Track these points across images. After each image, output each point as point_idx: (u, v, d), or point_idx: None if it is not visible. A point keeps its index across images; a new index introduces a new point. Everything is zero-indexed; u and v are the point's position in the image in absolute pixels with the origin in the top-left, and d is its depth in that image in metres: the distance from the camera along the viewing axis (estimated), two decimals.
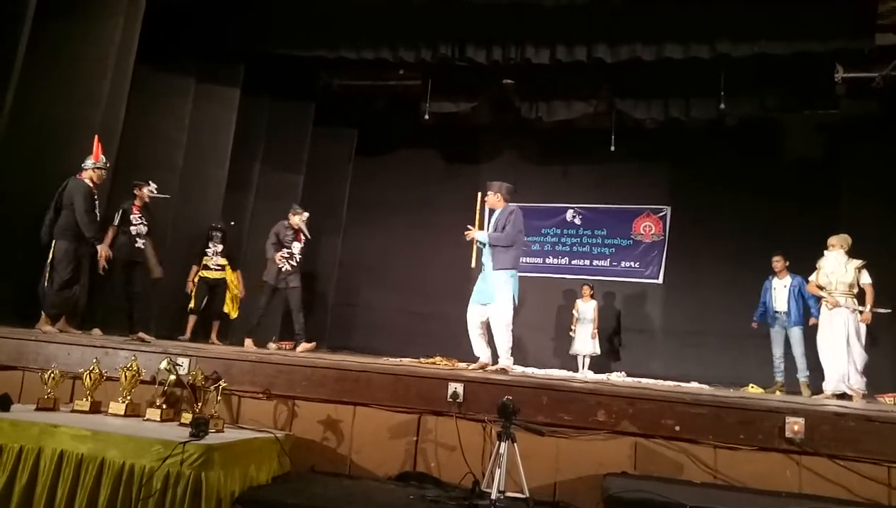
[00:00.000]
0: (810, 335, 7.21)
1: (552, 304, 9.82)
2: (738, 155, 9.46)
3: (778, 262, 7.36)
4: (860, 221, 7.72)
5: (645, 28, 7.15)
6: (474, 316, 5.47)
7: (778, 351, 7.27)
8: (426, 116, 9.05)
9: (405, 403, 3.43)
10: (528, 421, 3.08)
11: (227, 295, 7.47)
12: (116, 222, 6.22)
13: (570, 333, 8.91)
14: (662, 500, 2.50)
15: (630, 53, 7.22)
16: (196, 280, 7.32)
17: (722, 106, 8.07)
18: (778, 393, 6.91)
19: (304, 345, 6.86)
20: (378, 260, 10.59)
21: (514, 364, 5.45)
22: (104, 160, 5.75)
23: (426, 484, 3.20)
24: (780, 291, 7.32)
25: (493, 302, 5.34)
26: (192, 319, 7.28)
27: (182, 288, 7.33)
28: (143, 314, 6.36)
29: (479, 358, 5.41)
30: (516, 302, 5.41)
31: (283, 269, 6.95)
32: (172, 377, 3.48)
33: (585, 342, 8.74)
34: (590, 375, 8.00)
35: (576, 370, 8.42)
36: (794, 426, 2.93)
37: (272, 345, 7.52)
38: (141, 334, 6.00)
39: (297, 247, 7.14)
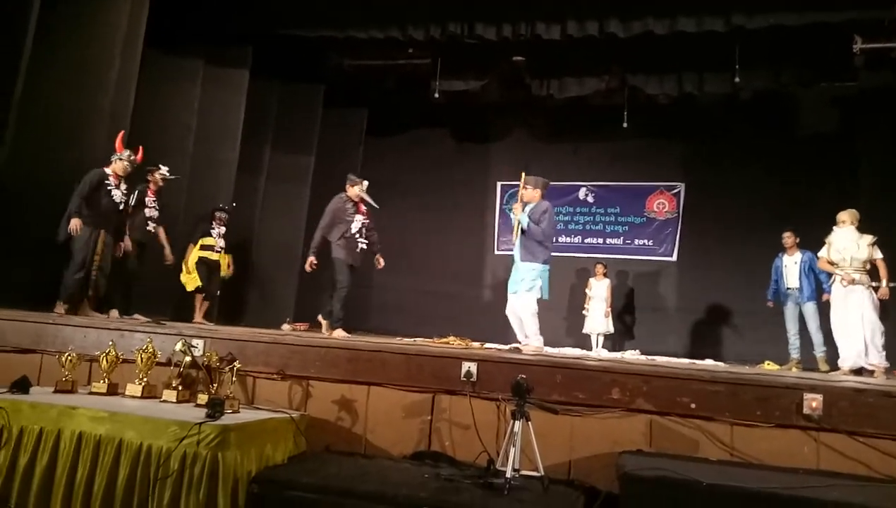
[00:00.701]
0: (824, 310, 7.17)
1: (565, 283, 9.78)
2: (753, 130, 9.33)
3: (788, 239, 7.27)
4: (878, 195, 7.61)
5: (658, 1, 7.00)
6: (510, 305, 5.76)
7: (792, 327, 7.20)
8: (436, 95, 8.98)
9: (419, 382, 3.44)
10: (542, 399, 3.07)
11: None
12: (133, 203, 6.30)
13: (584, 312, 8.89)
14: (678, 477, 2.49)
15: (642, 27, 7.09)
16: (195, 261, 7.12)
17: (737, 80, 7.92)
18: (794, 369, 6.86)
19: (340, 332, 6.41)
20: (390, 241, 10.48)
21: (535, 342, 5.58)
22: (128, 153, 5.93)
23: (441, 463, 3.21)
24: (791, 268, 7.24)
25: (519, 292, 5.59)
26: (199, 299, 7.18)
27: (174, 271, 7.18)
28: (152, 296, 6.44)
29: (520, 342, 5.65)
30: (545, 295, 5.63)
31: (360, 249, 6.61)
32: (188, 358, 3.50)
33: (599, 320, 8.72)
34: (604, 353, 7.98)
35: (589, 348, 8.41)
36: (812, 402, 2.89)
37: (286, 326, 7.53)
38: (137, 315, 6.09)
39: (359, 220, 6.65)
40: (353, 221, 6.60)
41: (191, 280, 7.01)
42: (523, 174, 6.00)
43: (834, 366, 6.37)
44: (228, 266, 7.49)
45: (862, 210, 6.46)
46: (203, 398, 3.29)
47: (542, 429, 2.99)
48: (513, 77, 9.15)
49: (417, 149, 10.67)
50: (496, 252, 10.59)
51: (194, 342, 3.68)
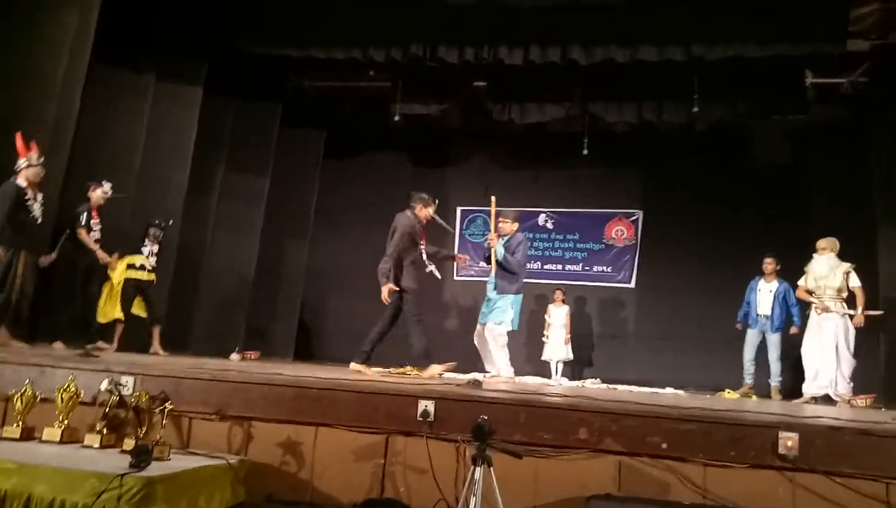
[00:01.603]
0: (786, 341, 7.20)
1: (524, 309, 9.50)
2: (709, 159, 9.46)
3: (769, 264, 7.24)
4: (828, 226, 7.67)
5: (620, 29, 7.04)
6: (479, 335, 5.88)
7: (750, 353, 7.19)
8: (396, 118, 8.85)
9: (372, 423, 3.17)
10: (505, 440, 2.85)
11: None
12: (82, 223, 5.90)
13: (543, 338, 8.77)
14: None
15: (604, 55, 7.11)
16: (120, 284, 6.45)
17: (695, 109, 8.05)
18: (749, 396, 6.84)
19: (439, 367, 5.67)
20: (347, 265, 10.30)
21: (506, 373, 5.72)
22: (35, 157, 5.30)
23: None
24: (765, 294, 7.21)
25: (490, 323, 5.70)
26: (119, 328, 6.45)
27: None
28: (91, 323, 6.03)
29: (488, 371, 5.78)
30: (515, 326, 5.79)
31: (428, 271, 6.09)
32: (115, 398, 3.17)
33: (558, 347, 8.60)
34: (564, 381, 7.85)
35: (549, 376, 8.27)
36: (788, 441, 2.76)
37: (235, 356, 7.16)
38: (100, 343, 5.69)
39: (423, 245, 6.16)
40: (421, 246, 6.12)
41: (109, 307, 6.32)
42: (494, 198, 6.08)
43: (789, 394, 6.36)
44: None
45: (811, 240, 6.53)
46: (130, 443, 2.95)
47: (504, 472, 2.77)
48: (474, 102, 9.10)
49: (376, 173, 10.47)
50: (456, 277, 10.41)
51: (123, 379, 3.33)
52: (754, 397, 6.85)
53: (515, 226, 5.99)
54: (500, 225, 6.03)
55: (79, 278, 5.97)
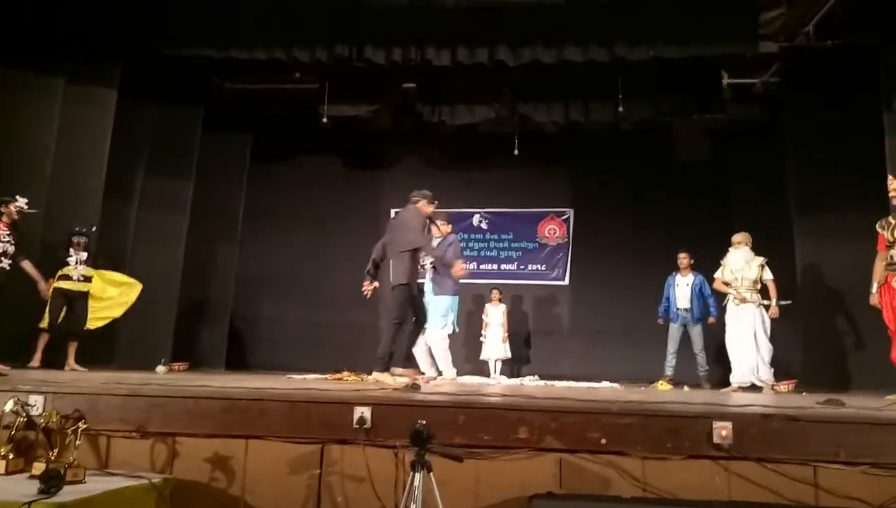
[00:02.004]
0: (707, 331, 7.47)
1: (462, 309, 9.56)
2: (635, 158, 9.73)
3: (684, 259, 7.53)
4: (748, 220, 8.01)
5: (546, 30, 7.10)
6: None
7: (673, 346, 7.44)
8: (324, 120, 8.65)
9: (305, 433, 3.04)
10: (444, 443, 2.78)
11: (98, 306, 6.54)
12: None
13: (481, 338, 8.77)
14: None
15: (531, 56, 7.16)
16: (51, 291, 6.22)
17: (620, 109, 8.22)
18: (665, 386, 7.04)
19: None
20: (278, 270, 10.05)
21: (448, 374, 5.78)
22: None
23: None
24: (682, 288, 7.49)
25: (431, 326, 5.68)
26: (43, 340, 6.20)
27: (38, 310, 6.32)
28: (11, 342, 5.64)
29: (424, 373, 5.73)
30: (456, 328, 5.89)
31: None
32: (22, 419, 2.92)
33: (496, 346, 8.63)
34: (503, 380, 7.87)
35: (488, 375, 8.28)
36: (722, 431, 2.81)
37: (161, 368, 6.84)
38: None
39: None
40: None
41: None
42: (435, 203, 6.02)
43: (725, 383, 6.59)
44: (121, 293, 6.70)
45: (733, 232, 6.79)
46: (40, 467, 2.72)
47: (444, 477, 2.70)
48: (404, 104, 9.03)
49: (306, 176, 10.26)
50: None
51: (31, 398, 3.08)
52: (665, 386, 7.05)
53: (447, 227, 6.03)
54: (433, 227, 6.02)
55: None
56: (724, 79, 8.37)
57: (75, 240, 6.45)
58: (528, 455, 2.95)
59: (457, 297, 5.86)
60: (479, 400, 3.21)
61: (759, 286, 6.27)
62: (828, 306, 7.04)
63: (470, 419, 3.00)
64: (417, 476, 2.53)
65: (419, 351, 5.81)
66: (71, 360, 6.31)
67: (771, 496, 2.77)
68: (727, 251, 6.66)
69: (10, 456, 2.85)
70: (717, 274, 6.54)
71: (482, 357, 8.70)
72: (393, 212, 10.46)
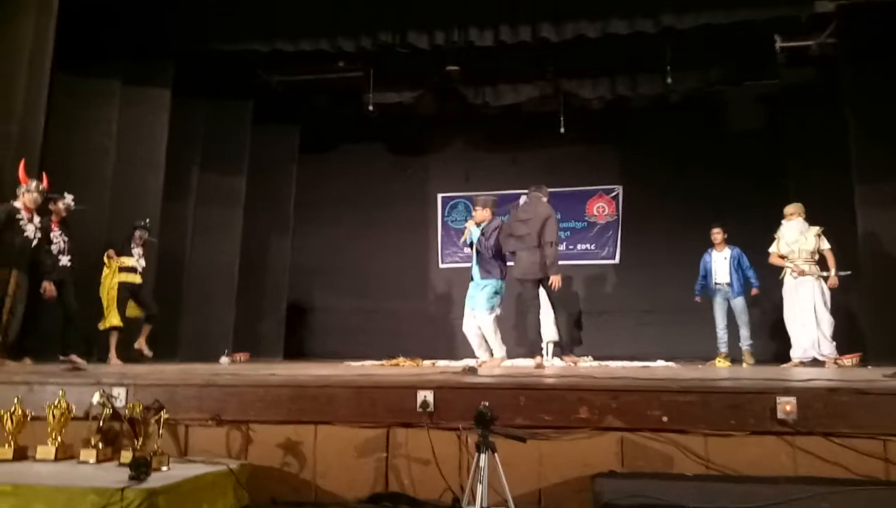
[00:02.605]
0: (752, 304, 7.32)
1: (511, 293, 9.60)
2: (685, 130, 9.52)
3: (717, 235, 7.40)
4: (805, 189, 7.79)
5: (590, 4, 6.99)
6: (469, 322, 5.91)
7: (721, 322, 7.32)
8: (370, 108, 8.75)
9: (371, 417, 3.14)
10: (506, 425, 2.84)
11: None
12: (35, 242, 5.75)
13: None
14: (661, 504, 2.31)
15: (575, 31, 7.07)
16: (113, 289, 6.33)
17: (668, 80, 8.04)
18: (723, 363, 6.94)
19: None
20: (330, 260, 10.25)
21: (499, 353, 5.84)
22: (35, 183, 5.47)
23: (400, 505, 2.94)
24: (720, 263, 7.36)
25: (479, 310, 5.76)
26: (114, 337, 6.33)
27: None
28: (79, 335, 5.91)
29: (478, 358, 5.84)
30: (499, 310, 5.87)
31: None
32: (107, 411, 3.11)
33: (549, 328, 8.58)
34: (556, 362, 7.87)
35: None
36: (786, 406, 2.78)
37: (224, 359, 7.10)
38: (73, 356, 5.58)
39: None
40: None
41: (108, 314, 6.24)
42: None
43: (783, 358, 6.45)
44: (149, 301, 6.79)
45: (791, 203, 6.60)
46: (127, 455, 2.90)
47: (508, 458, 2.76)
48: (447, 87, 9.03)
49: (354, 165, 10.39)
50: (440, 265, 10.39)
51: (115, 391, 3.27)
52: (723, 363, 6.95)
53: (487, 211, 6.01)
54: (474, 212, 6.13)
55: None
56: (777, 42, 8.06)
57: (138, 233, 6.62)
58: (590, 435, 2.98)
59: (503, 282, 5.88)
60: (538, 381, 3.26)
61: (816, 257, 6.09)
62: (892, 275, 6.79)
63: (530, 400, 3.05)
64: (483, 456, 2.60)
65: (472, 336, 5.88)
66: (141, 340, 6.49)
67: (839, 471, 2.74)
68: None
69: (100, 446, 3.05)
70: (772, 249, 6.37)
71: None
72: (440, 196, 10.55)
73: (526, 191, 10.15)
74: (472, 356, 6.13)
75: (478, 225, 6.01)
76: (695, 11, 6.82)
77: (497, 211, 6.25)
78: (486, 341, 5.83)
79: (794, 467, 2.79)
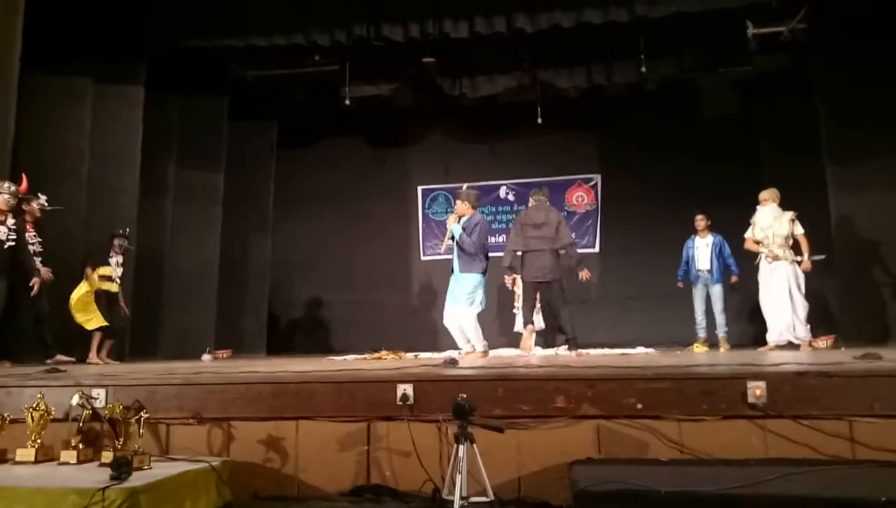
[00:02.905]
0: (729, 292, 7.44)
1: (493, 283, 9.64)
2: (661, 118, 9.60)
3: (701, 221, 7.47)
4: (779, 174, 7.91)
5: None
6: (449, 314, 5.98)
7: (700, 308, 7.42)
8: (347, 102, 8.73)
9: (352, 412, 3.18)
10: (485, 415, 2.88)
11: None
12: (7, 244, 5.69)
13: (514, 310, 8.82)
14: (636, 488, 2.37)
15: (549, 21, 7.11)
16: (92, 294, 6.29)
17: (643, 69, 8.11)
18: (700, 348, 7.05)
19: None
20: (312, 254, 10.24)
21: (480, 347, 5.92)
22: (7, 184, 5.44)
23: (383, 497, 2.98)
24: (702, 250, 7.43)
25: (459, 303, 5.84)
26: (96, 338, 6.29)
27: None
28: (52, 337, 5.88)
29: (461, 350, 5.95)
30: (484, 306, 5.97)
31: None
32: (87, 412, 3.11)
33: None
34: (538, 351, 7.95)
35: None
36: (756, 390, 2.85)
37: (207, 356, 7.09)
38: (59, 356, 5.56)
39: None
40: None
41: (92, 317, 6.23)
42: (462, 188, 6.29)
43: (760, 343, 6.58)
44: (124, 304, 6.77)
45: (765, 188, 6.70)
46: (108, 455, 2.91)
47: (487, 447, 2.81)
48: (424, 79, 9.04)
49: (333, 159, 10.37)
50: (422, 257, 10.43)
51: (94, 392, 3.26)
52: (700, 348, 7.07)
53: (467, 205, 6.04)
54: (456, 205, 6.15)
55: (21, 296, 5.72)
56: (749, 29, 8.15)
57: (117, 242, 6.58)
58: (567, 424, 3.04)
59: (484, 277, 5.94)
60: (516, 372, 3.31)
61: (790, 242, 6.20)
62: (864, 258, 6.94)
63: (508, 391, 3.10)
64: (461, 447, 2.64)
65: (454, 328, 5.93)
66: (103, 353, 6.40)
67: (808, 451, 2.82)
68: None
69: (80, 447, 3.05)
70: (748, 234, 6.46)
71: (516, 329, 8.76)
72: (420, 189, 10.57)
73: (505, 182, 10.35)
74: (455, 348, 6.18)
75: (459, 218, 6.03)
76: (667, 0, 6.87)
77: (478, 204, 6.32)
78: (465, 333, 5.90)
79: (764, 449, 2.87)
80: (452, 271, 6.03)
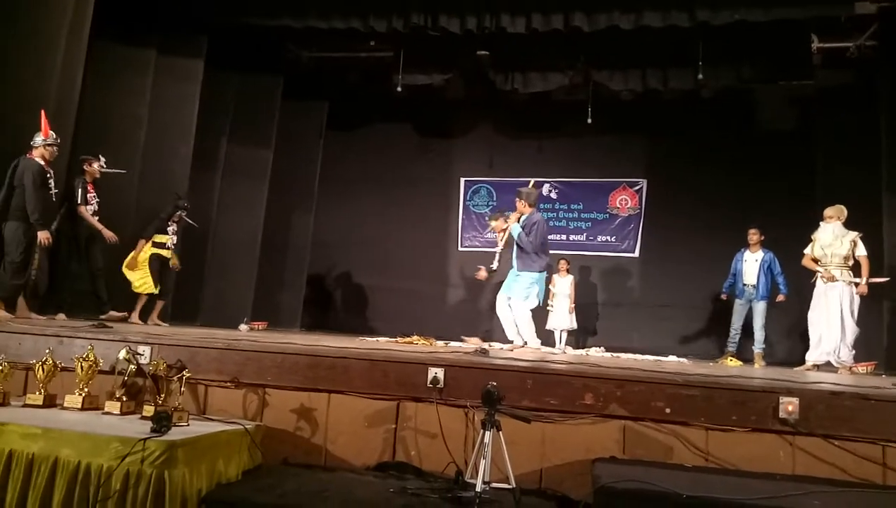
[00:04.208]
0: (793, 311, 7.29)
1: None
2: (714, 127, 9.42)
3: (754, 235, 7.34)
4: (834, 193, 7.65)
5: None
6: (502, 306, 6.07)
7: (738, 322, 7.32)
8: (399, 89, 8.81)
9: (383, 390, 3.26)
10: (512, 406, 2.93)
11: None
12: (79, 200, 5.95)
13: (548, 308, 8.82)
14: (657, 490, 2.38)
15: (608, 21, 7.05)
16: (147, 259, 6.56)
17: (700, 76, 8.00)
18: (731, 362, 6.95)
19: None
20: (352, 236, 10.37)
21: (533, 344, 6.03)
22: (54, 136, 5.43)
23: (406, 475, 3.05)
24: (751, 264, 7.31)
25: (515, 300, 5.93)
26: (141, 300, 6.53)
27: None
28: (106, 293, 6.12)
29: (512, 341, 6.04)
30: (540, 302, 6.09)
31: None
32: (132, 367, 3.26)
33: (562, 317, 8.66)
34: (568, 350, 7.94)
35: (553, 345, 8.35)
36: (789, 406, 2.83)
37: (243, 327, 7.27)
38: (112, 313, 5.79)
39: None
40: None
41: (144, 281, 6.48)
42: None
43: (796, 363, 6.45)
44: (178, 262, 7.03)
45: (817, 207, 6.54)
46: (150, 409, 3.04)
47: (512, 437, 2.86)
48: (477, 72, 9.04)
49: (379, 144, 10.46)
50: (460, 248, 10.47)
51: (140, 349, 3.42)
52: (730, 362, 6.97)
53: (525, 204, 6.10)
54: (516, 204, 6.20)
55: (82, 253, 6.01)
56: (814, 43, 7.94)
57: (180, 214, 6.85)
58: (593, 421, 3.06)
59: (543, 274, 6.03)
60: (546, 366, 3.34)
61: (850, 263, 6.02)
62: None
63: (537, 383, 3.13)
64: (488, 434, 2.69)
65: (507, 323, 6.05)
66: (154, 315, 6.70)
67: (837, 472, 2.79)
68: (810, 225, 6.43)
69: (124, 399, 3.20)
70: (807, 250, 6.28)
71: (548, 327, 8.75)
72: (463, 180, 10.61)
73: (549, 179, 10.32)
74: (483, 339, 6.27)
75: (519, 217, 6.12)
76: (731, 7, 6.76)
77: (535, 205, 6.36)
78: (517, 327, 6.03)
79: (791, 466, 2.85)
80: (511, 267, 6.09)
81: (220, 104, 8.43)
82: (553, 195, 10.32)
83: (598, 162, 10.03)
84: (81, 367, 3.23)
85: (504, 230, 6.32)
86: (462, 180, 10.64)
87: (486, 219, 6.44)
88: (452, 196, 10.64)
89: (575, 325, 8.77)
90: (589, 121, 9.03)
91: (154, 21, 7.45)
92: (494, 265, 6.56)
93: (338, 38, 8.25)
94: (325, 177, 10.09)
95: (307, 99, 9.80)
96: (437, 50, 8.50)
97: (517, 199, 6.21)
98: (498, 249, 6.56)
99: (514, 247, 5.99)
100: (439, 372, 3.18)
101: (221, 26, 7.84)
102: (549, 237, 10.06)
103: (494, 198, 10.39)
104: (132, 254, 6.49)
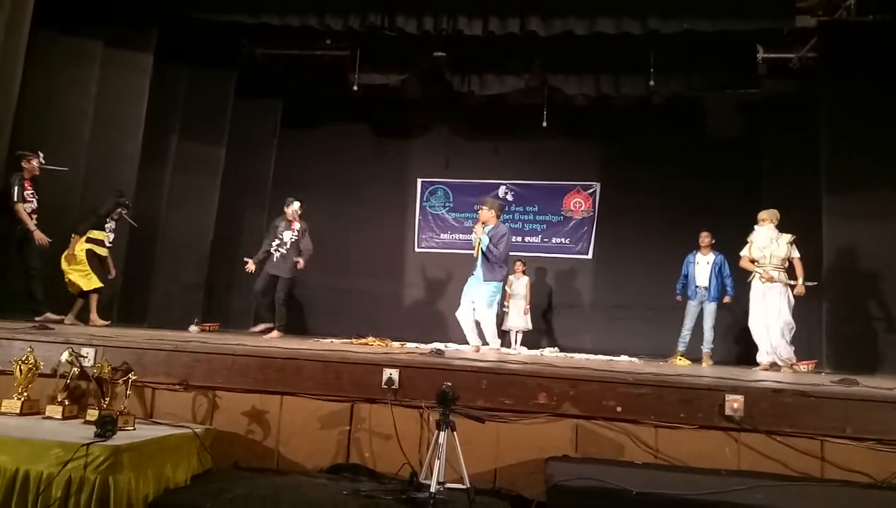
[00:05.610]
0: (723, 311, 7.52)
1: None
2: (665, 132, 9.64)
3: (706, 238, 7.54)
4: (779, 198, 7.96)
5: (579, 1, 7.06)
6: (465, 311, 6.19)
7: (689, 323, 7.49)
8: (355, 88, 8.74)
9: (337, 391, 3.23)
10: (467, 405, 2.94)
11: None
12: (15, 198, 5.71)
13: (504, 309, 8.89)
14: (608, 487, 2.42)
15: (563, 27, 7.14)
16: (84, 254, 6.29)
17: (651, 83, 8.19)
18: (679, 362, 7.13)
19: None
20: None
21: (494, 345, 6.18)
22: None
23: (360, 477, 3.02)
24: (702, 267, 7.50)
25: (480, 306, 6.12)
26: (96, 298, 6.37)
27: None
28: (41, 293, 5.88)
29: (469, 343, 6.22)
30: (497, 307, 6.32)
31: None
32: (76, 369, 3.14)
33: (518, 318, 8.75)
34: (523, 351, 8.02)
35: (509, 345, 8.42)
36: (734, 403, 2.92)
37: (194, 328, 7.09)
38: (49, 314, 5.57)
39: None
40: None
41: (88, 277, 6.25)
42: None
43: (743, 361, 6.65)
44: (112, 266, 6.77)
45: (759, 211, 6.76)
46: (93, 413, 2.94)
47: (466, 437, 2.86)
48: (434, 73, 9.04)
49: (335, 143, 10.36)
50: (416, 249, 10.45)
51: (84, 351, 3.30)
52: (679, 362, 7.16)
53: (493, 213, 6.19)
54: (479, 211, 6.29)
55: (16, 251, 5.79)
56: (760, 53, 8.22)
57: (121, 211, 6.60)
58: (547, 420, 3.09)
59: (501, 283, 6.27)
60: (501, 366, 3.36)
61: (786, 264, 6.26)
62: (854, 287, 7.01)
63: (492, 384, 3.15)
64: (442, 434, 2.69)
65: (467, 326, 6.17)
66: (94, 313, 6.40)
67: (779, 467, 2.89)
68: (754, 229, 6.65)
69: (66, 403, 3.08)
70: (744, 252, 6.51)
71: (504, 327, 8.83)
72: (420, 181, 10.60)
73: (505, 181, 10.40)
74: (439, 340, 6.30)
75: (483, 225, 6.18)
76: (680, 17, 6.93)
77: (500, 215, 6.44)
78: (479, 329, 6.19)
79: (737, 461, 2.94)
80: (473, 274, 6.23)
81: (171, 99, 8.20)
82: (509, 197, 10.41)
83: (553, 164, 10.15)
84: (20, 370, 3.10)
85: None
86: (419, 181, 10.63)
87: (476, 208, 6.60)
88: (409, 196, 10.62)
89: (530, 326, 8.86)
90: (544, 124, 9.13)
91: (103, 12, 7.20)
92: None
93: (293, 35, 8.13)
94: (280, 177, 9.92)
95: (261, 96, 9.63)
96: (393, 50, 8.48)
97: (483, 207, 6.29)
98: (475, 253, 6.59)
99: (481, 257, 6.12)
100: (394, 373, 3.17)
101: (173, 19, 7.64)
102: None
103: (451, 199, 10.42)
104: (66, 251, 6.22)
